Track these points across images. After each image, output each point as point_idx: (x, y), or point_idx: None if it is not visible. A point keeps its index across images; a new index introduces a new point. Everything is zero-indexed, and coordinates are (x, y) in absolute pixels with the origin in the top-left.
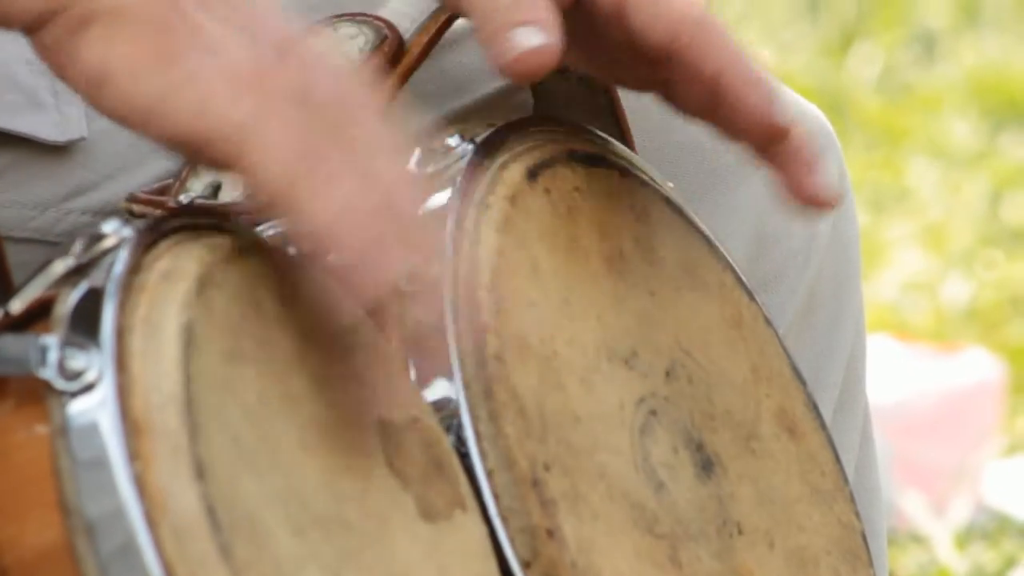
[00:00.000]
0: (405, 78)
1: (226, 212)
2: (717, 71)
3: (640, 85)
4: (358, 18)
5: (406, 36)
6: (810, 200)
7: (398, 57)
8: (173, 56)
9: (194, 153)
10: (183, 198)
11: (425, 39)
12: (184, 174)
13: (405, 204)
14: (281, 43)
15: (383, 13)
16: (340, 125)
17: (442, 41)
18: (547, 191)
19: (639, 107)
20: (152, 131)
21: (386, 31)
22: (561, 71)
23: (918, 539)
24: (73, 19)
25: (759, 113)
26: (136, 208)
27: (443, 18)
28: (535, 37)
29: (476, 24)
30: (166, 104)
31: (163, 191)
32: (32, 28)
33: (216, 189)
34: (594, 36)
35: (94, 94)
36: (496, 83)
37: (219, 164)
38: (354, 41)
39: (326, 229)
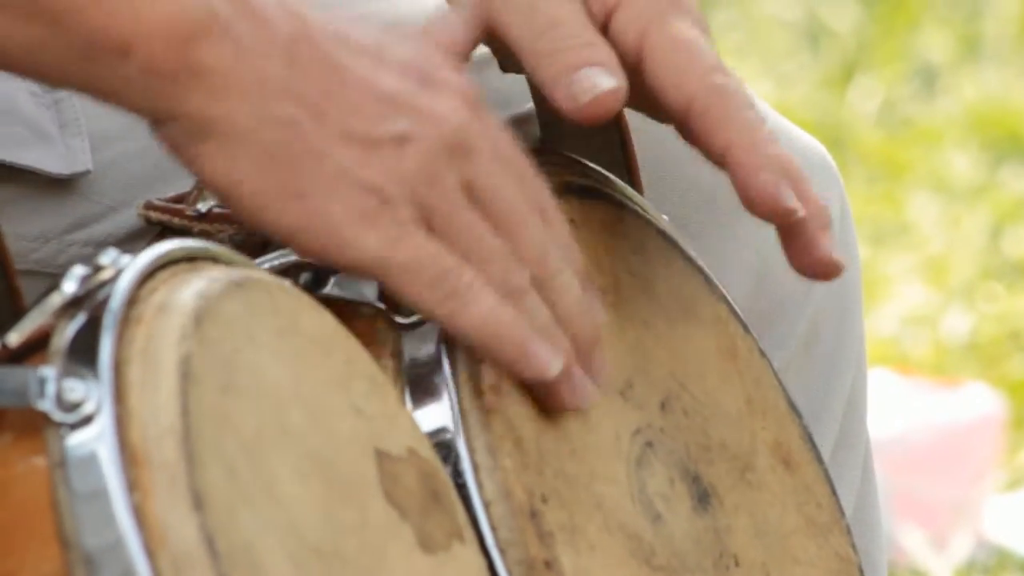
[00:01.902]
0: None
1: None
2: (726, 147)
3: (660, 119)
4: None
5: None
6: (812, 275)
7: None
8: (300, 190)
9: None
10: (200, 206)
11: None
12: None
13: (549, 295)
14: (399, 139)
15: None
16: (462, 211)
17: None
18: None
19: (639, 143)
20: (303, 253)
21: None
22: None
23: (918, 574)
24: (190, 129)
25: (766, 195)
26: (153, 215)
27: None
28: (606, 80)
29: (530, 63)
30: (298, 237)
31: (180, 199)
32: (154, 125)
33: None
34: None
35: (226, 202)
36: (499, 115)
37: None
38: None
39: (477, 341)
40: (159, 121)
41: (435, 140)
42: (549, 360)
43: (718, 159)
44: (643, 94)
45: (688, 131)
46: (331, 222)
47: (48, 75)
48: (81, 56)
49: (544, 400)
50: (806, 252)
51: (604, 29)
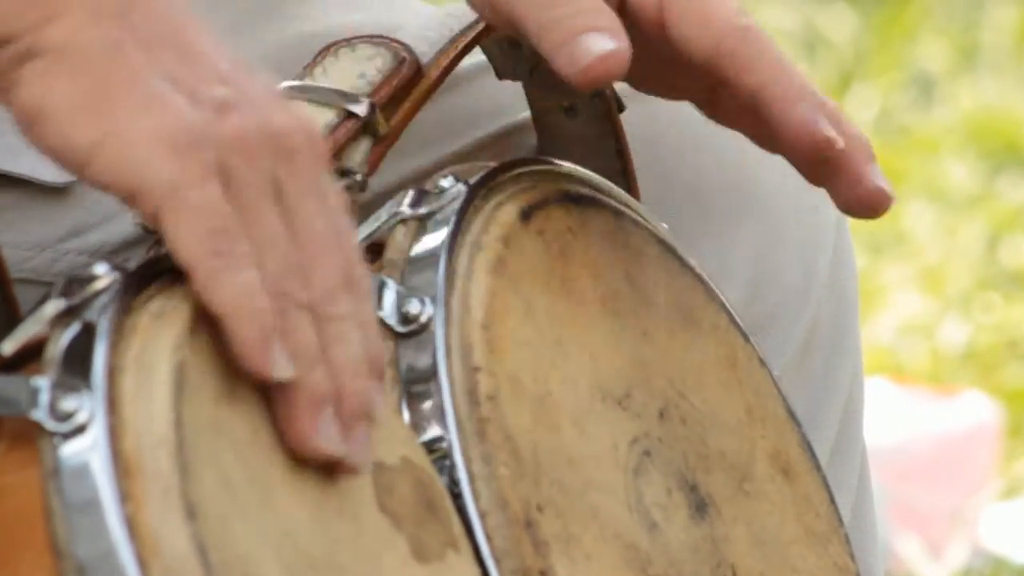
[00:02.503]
0: (421, 103)
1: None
2: (760, 84)
3: (679, 95)
4: (376, 40)
5: (424, 60)
6: (861, 210)
7: (414, 81)
8: (108, 106)
9: (122, 202)
10: None
11: (444, 64)
12: None
13: (307, 303)
14: (223, 104)
15: (402, 35)
16: (263, 197)
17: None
18: (540, 232)
19: (636, 148)
20: (80, 175)
21: (404, 54)
22: (569, 109)
23: None
24: (19, 50)
25: (804, 128)
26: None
27: (463, 43)
28: (606, 43)
29: (535, 35)
30: (94, 154)
31: None
32: None
33: None
34: (635, 45)
35: (27, 130)
36: (495, 125)
37: (144, 218)
38: (372, 62)
39: (220, 312)
40: None
41: (260, 125)
42: (279, 365)
43: (751, 98)
44: (658, 67)
45: (716, 82)
46: (130, 141)
47: None
48: None
49: (285, 426)
50: (853, 186)
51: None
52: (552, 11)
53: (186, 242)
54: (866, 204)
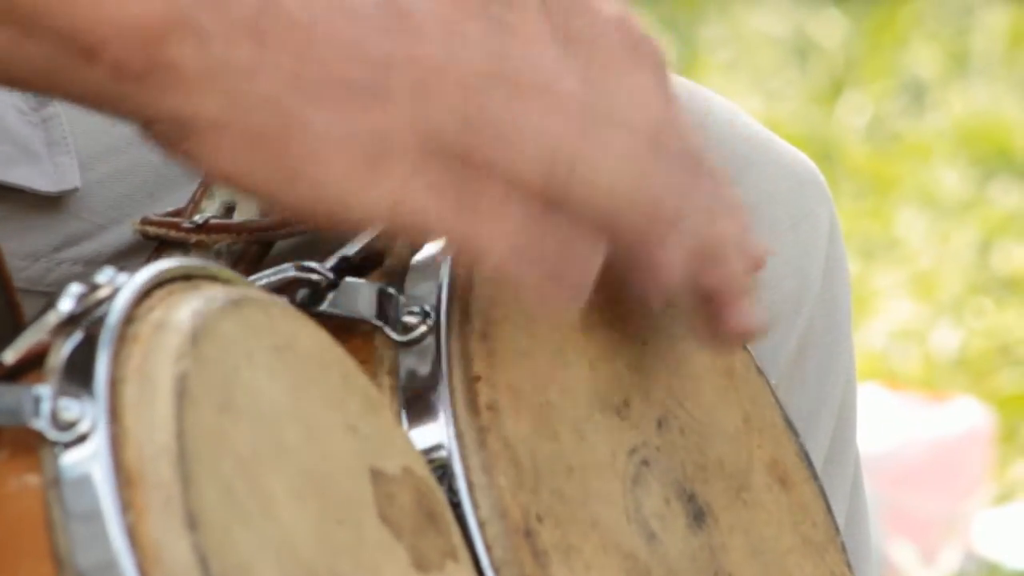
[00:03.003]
0: None
1: (240, 230)
2: None
3: None
4: None
5: None
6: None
7: None
8: (295, 172)
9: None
10: (197, 218)
11: None
12: (198, 195)
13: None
14: (386, 64)
15: None
16: (475, 177)
17: None
18: None
19: None
20: (325, 223)
21: None
22: None
23: None
24: (172, 131)
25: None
26: (150, 230)
27: None
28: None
29: None
30: (317, 206)
31: (177, 213)
32: (142, 128)
33: (230, 209)
34: None
35: (235, 191)
36: None
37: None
38: None
39: (500, 261)
40: (145, 124)
41: (420, 55)
42: (578, 291)
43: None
44: None
45: None
46: (332, 190)
47: (18, 81)
48: (49, 61)
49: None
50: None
51: None
52: None
53: (440, 227)
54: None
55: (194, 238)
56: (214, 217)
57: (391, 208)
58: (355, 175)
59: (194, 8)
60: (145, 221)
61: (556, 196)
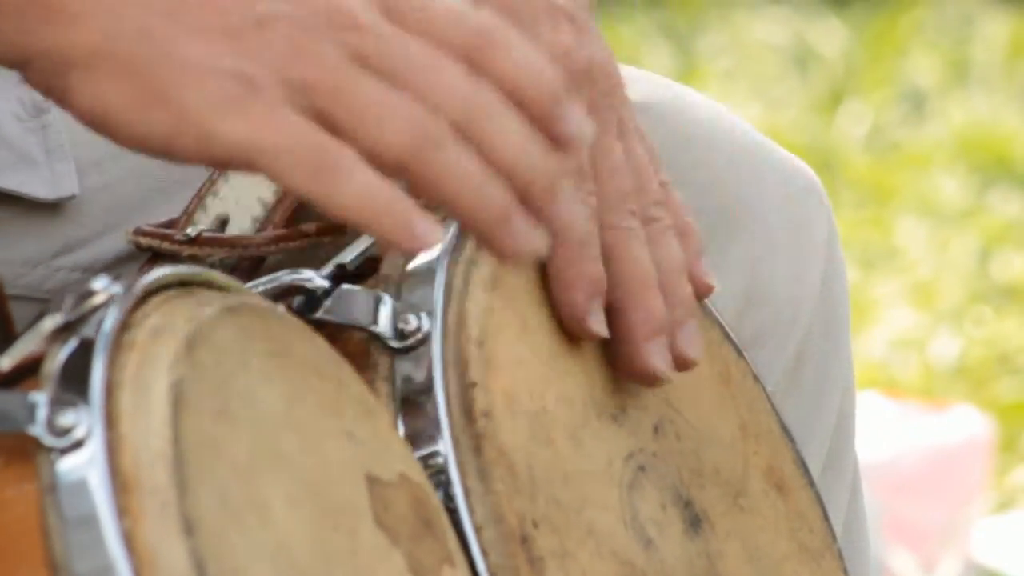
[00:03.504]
0: None
1: (232, 244)
2: None
3: None
4: None
5: None
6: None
7: None
8: (161, 96)
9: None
10: (190, 230)
11: None
12: (191, 207)
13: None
14: (259, 21)
15: None
16: (349, 96)
17: None
18: None
19: None
20: (174, 160)
21: None
22: None
23: None
24: (50, 66)
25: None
26: (143, 241)
27: None
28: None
29: None
30: (174, 141)
31: (170, 224)
32: (18, 69)
33: (223, 222)
34: None
35: (101, 133)
36: None
37: (250, 171)
38: None
39: (356, 218)
40: (23, 65)
41: (303, 17)
42: (429, 235)
43: None
44: None
45: None
46: (195, 120)
47: None
48: None
49: (488, 248)
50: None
51: None
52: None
53: (291, 182)
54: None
55: (186, 251)
56: (207, 230)
57: (246, 146)
58: (217, 107)
59: None
60: (138, 232)
61: (412, 173)
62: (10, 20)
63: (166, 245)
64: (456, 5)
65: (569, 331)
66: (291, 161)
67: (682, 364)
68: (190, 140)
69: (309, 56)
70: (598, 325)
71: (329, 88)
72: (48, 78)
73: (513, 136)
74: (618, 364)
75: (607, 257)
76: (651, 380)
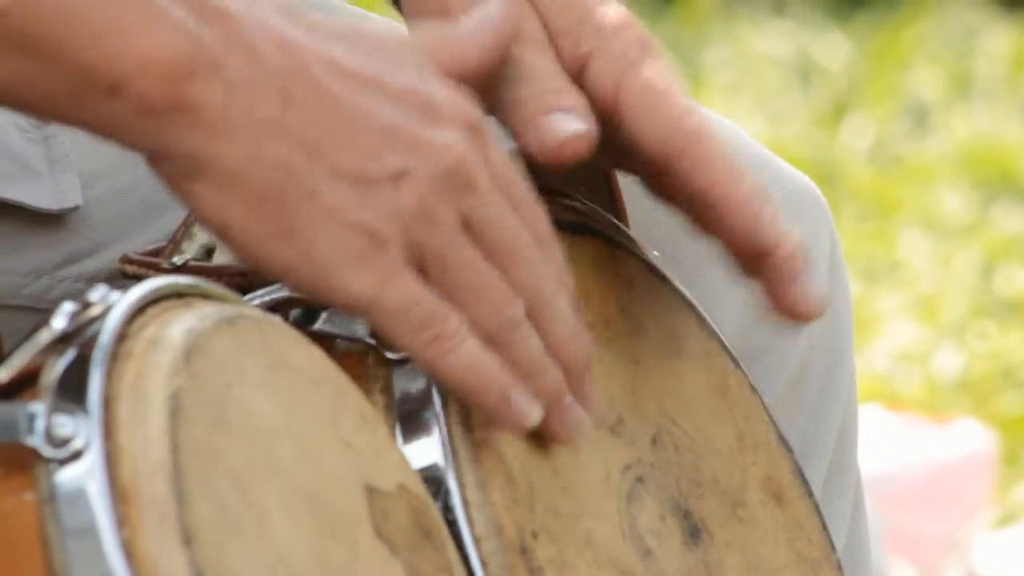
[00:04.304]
0: None
1: (219, 273)
2: (708, 184)
3: (627, 170)
4: None
5: None
6: (789, 312)
7: None
8: (290, 230)
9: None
10: (177, 259)
11: None
12: (179, 235)
13: (527, 347)
14: (395, 175)
15: None
16: (457, 245)
17: None
18: None
19: (631, 178)
20: (294, 290)
21: None
22: None
23: None
24: (184, 170)
25: (746, 233)
26: (129, 269)
27: None
28: (574, 123)
29: (504, 109)
30: (292, 275)
31: (157, 252)
32: (149, 160)
33: (210, 251)
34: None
35: (220, 239)
36: None
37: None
38: None
39: (458, 386)
40: (154, 157)
41: (433, 174)
42: (528, 410)
43: (700, 198)
44: (616, 145)
45: (665, 177)
46: (320, 263)
47: (37, 109)
48: (71, 93)
49: (538, 433)
50: (786, 290)
51: (578, 78)
52: (521, 88)
53: (403, 341)
54: (797, 309)
55: None
56: (194, 259)
57: (366, 301)
58: (343, 258)
59: (223, 53)
60: (125, 260)
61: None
62: (155, 119)
63: (152, 273)
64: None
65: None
66: (408, 323)
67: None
68: (309, 280)
69: (431, 219)
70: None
71: (441, 254)
72: (178, 178)
73: (568, 318)
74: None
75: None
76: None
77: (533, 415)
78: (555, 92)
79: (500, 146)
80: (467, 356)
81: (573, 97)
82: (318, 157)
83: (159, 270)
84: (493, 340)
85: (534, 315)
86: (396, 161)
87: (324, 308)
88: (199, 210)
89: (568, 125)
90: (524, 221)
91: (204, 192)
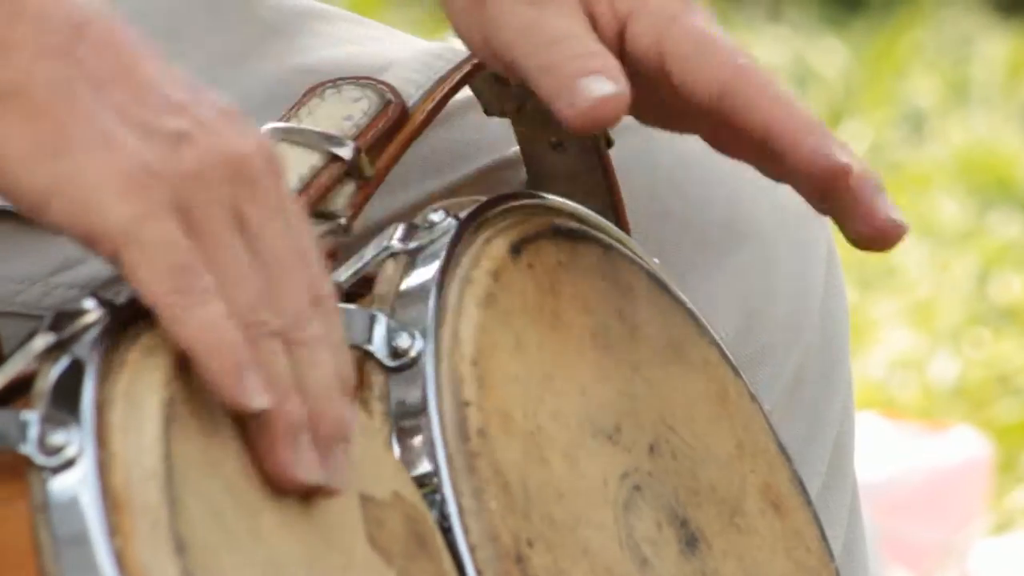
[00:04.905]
0: (406, 145)
1: None
2: (766, 121)
3: (685, 129)
4: (362, 81)
5: (410, 103)
6: (881, 233)
7: (400, 124)
8: (62, 147)
9: (82, 245)
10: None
11: (429, 107)
12: None
13: (275, 328)
14: (178, 137)
15: (388, 76)
16: (224, 228)
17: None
18: (531, 266)
19: (629, 181)
20: (40, 221)
21: (390, 96)
22: (557, 144)
23: None
24: None
25: (815, 158)
26: None
27: (449, 85)
28: (607, 85)
29: (534, 77)
30: (51, 198)
31: None
32: None
33: None
34: (637, 86)
35: None
36: (483, 160)
37: (106, 261)
38: (357, 104)
39: (190, 347)
40: None
41: (216, 154)
42: (255, 394)
43: (758, 134)
44: (663, 103)
45: (721, 119)
46: (85, 185)
47: None
48: None
49: (263, 457)
50: (865, 218)
51: (620, 39)
52: (551, 54)
53: (147, 281)
54: (879, 236)
55: None
56: None
57: (124, 232)
58: (112, 183)
59: None
60: None
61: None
62: None
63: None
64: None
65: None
66: (158, 265)
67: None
68: (70, 203)
69: (205, 185)
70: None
71: (206, 224)
72: None
73: (323, 372)
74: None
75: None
76: (899, 232)
77: (259, 401)
78: (585, 56)
79: (289, 188)
80: (210, 316)
81: (603, 59)
82: (103, 92)
83: None
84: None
85: (289, 345)
86: (182, 124)
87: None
88: None
89: (600, 87)
90: (301, 258)
91: None
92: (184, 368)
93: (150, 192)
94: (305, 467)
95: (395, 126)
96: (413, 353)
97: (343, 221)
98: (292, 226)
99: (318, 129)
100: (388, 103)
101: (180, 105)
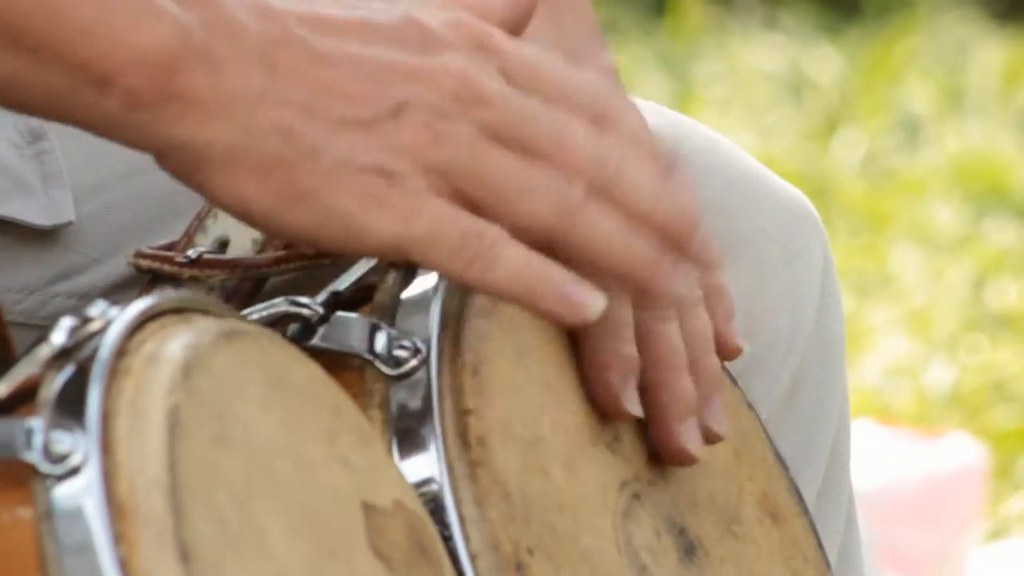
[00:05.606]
0: None
1: (233, 266)
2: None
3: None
4: None
5: None
6: (674, 456)
7: None
8: (302, 195)
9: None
10: (191, 252)
11: None
12: (192, 229)
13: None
14: (396, 109)
15: None
16: (480, 153)
17: None
18: None
19: None
20: (326, 249)
21: None
22: None
23: None
24: (185, 160)
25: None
26: (143, 263)
27: None
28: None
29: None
30: (321, 233)
31: (171, 247)
32: (155, 158)
33: (224, 244)
34: None
35: (249, 223)
36: None
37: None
38: None
39: (512, 297)
40: (159, 154)
41: (435, 99)
42: (589, 301)
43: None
44: None
45: None
46: (341, 215)
47: (28, 108)
48: (62, 90)
49: (638, 297)
50: (666, 436)
51: None
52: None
53: (445, 267)
54: (672, 456)
55: (187, 273)
56: (208, 252)
57: (397, 240)
58: (364, 204)
59: (207, 37)
60: (138, 254)
61: (557, 245)
62: (147, 112)
63: (167, 267)
64: (561, 63)
65: (603, 410)
66: (441, 250)
67: (709, 438)
68: (338, 232)
69: (444, 139)
70: (632, 405)
71: (467, 170)
72: (184, 170)
73: (646, 185)
74: (653, 440)
75: (637, 336)
76: (684, 460)
77: (595, 306)
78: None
79: (518, 44)
80: (509, 266)
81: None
82: (313, 116)
83: (172, 264)
84: (552, 234)
85: (607, 192)
86: (393, 96)
87: (321, 323)
88: (213, 195)
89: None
90: (567, 105)
91: (212, 177)
92: (188, 376)
93: (397, 193)
94: (676, 285)
95: None
96: (414, 361)
97: None
98: (542, 87)
99: None
100: None
101: (383, 72)
